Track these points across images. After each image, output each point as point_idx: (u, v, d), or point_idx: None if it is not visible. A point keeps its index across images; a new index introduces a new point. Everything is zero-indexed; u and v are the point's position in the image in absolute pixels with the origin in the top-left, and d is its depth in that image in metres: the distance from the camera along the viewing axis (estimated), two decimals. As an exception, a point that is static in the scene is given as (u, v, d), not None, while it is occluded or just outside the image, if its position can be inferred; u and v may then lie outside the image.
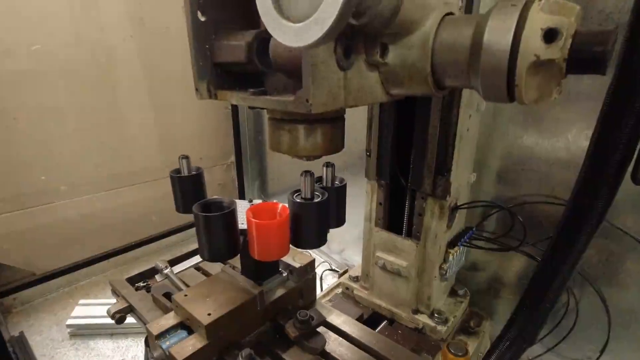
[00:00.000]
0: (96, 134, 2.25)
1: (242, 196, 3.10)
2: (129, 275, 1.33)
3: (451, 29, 0.64)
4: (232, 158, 3.02)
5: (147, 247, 2.65)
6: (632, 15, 0.57)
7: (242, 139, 2.96)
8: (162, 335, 0.96)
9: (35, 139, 2.04)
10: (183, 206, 1.07)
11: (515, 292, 1.59)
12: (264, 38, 0.72)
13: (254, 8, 0.51)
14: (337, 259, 2.49)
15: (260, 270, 1.08)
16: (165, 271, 1.28)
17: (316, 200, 0.86)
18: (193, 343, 0.93)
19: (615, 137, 0.63)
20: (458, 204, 1.29)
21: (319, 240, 0.90)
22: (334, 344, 1.06)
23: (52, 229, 2.21)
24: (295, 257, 1.16)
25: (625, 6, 1.08)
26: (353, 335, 1.09)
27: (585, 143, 1.02)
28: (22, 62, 1.92)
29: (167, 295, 1.17)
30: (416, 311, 1.38)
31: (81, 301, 2.10)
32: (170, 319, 1.01)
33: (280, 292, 1.11)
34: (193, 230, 0.89)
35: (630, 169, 0.66)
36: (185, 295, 1.02)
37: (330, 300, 1.57)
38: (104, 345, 1.89)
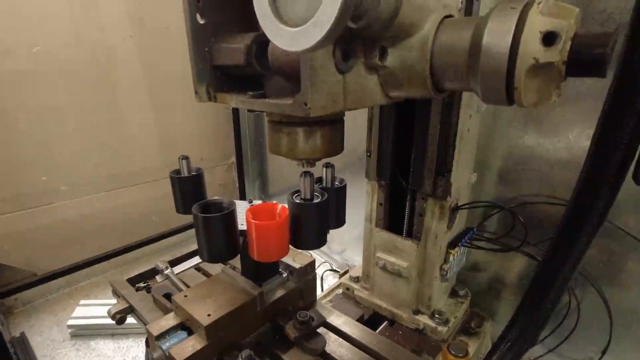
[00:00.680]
0: (96, 134, 2.25)
1: (242, 197, 3.10)
2: (130, 276, 1.33)
3: (450, 31, 0.63)
4: (233, 159, 3.02)
5: (148, 248, 2.65)
6: (633, 14, 0.56)
7: (242, 139, 2.96)
8: (162, 336, 0.96)
9: (35, 139, 2.04)
10: (183, 207, 1.07)
11: (517, 292, 1.58)
12: (263, 41, 0.72)
13: (252, 10, 0.51)
14: (338, 260, 2.48)
15: (260, 271, 1.08)
16: (166, 272, 1.28)
17: (316, 201, 0.86)
18: (193, 344, 0.93)
19: (616, 137, 0.62)
20: (459, 205, 1.28)
21: (318, 241, 0.90)
22: (334, 344, 1.06)
23: (52, 229, 2.21)
24: (296, 258, 1.15)
25: (626, 6, 1.08)
26: (353, 336, 1.09)
27: (586, 143, 1.02)
28: (22, 62, 1.92)
29: (168, 296, 1.17)
30: (417, 312, 1.38)
31: (82, 302, 2.10)
32: (170, 320, 1.01)
33: (280, 292, 1.10)
34: (193, 230, 0.89)
35: (631, 168, 0.66)
36: (185, 296, 1.02)
37: (330, 301, 1.56)
38: (105, 346, 1.89)
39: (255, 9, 0.51)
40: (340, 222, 1.04)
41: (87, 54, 2.11)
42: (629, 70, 0.58)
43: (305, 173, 0.84)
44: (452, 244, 1.32)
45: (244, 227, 0.90)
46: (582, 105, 1.22)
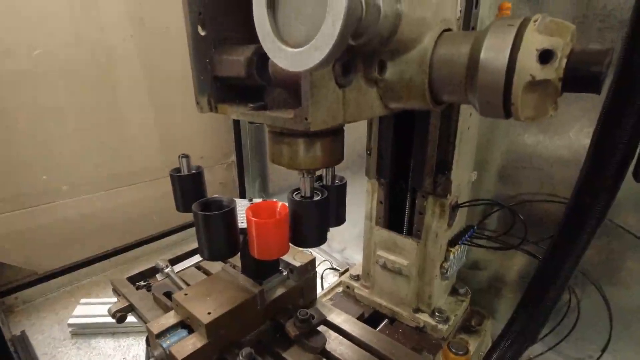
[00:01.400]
0: (96, 133, 2.26)
1: (242, 195, 3.10)
2: (130, 275, 1.33)
3: (449, 45, 0.64)
4: (233, 157, 3.02)
5: (148, 247, 2.65)
6: (632, 14, 0.56)
7: (242, 138, 2.96)
8: (163, 334, 0.97)
9: (35, 138, 2.04)
10: (183, 205, 1.07)
11: (517, 290, 1.58)
12: (264, 53, 0.72)
13: (252, 22, 0.52)
14: (338, 258, 2.49)
15: (261, 269, 1.08)
16: (166, 270, 1.28)
17: (316, 198, 0.86)
18: (193, 342, 0.93)
19: (616, 135, 0.62)
20: (459, 203, 1.28)
21: (318, 239, 0.90)
22: (334, 343, 1.06)
23: (53, 228, 2.21)
24: (296, 256, 1.16)
25: (627, 3, 1.08)
26: (354, 334, 1.09)
27: (586, 141, 1.02)
28: (22, 62, 1.92)
29: (168, 294, 1.17)
30: (417, 310, 1.38)
31: (82, 300, 2.10)
32: (170, 318, 1.01)
33: (280, 291, 1.11)
34: (193, 229, 0.89)
35: (631, 167, 0.66)
36: (186, 294, 1.02)
37: (330, 299, 1.57)
38: (105, 344, 1.89)
39: (257, 28, 0.51)
40: (340, 220, 1.04)
41: (87, 54, 2.11)
42: (629, 69, 0.58)
43: (306, 171, 0.84)
44: (453, 242, 1.32)
45: (244, 226, 0.90)
46: (582, 104, 1.22)
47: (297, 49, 0.48)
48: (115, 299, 1.26)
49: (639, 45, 0.56)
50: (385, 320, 1.42)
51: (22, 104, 1.96)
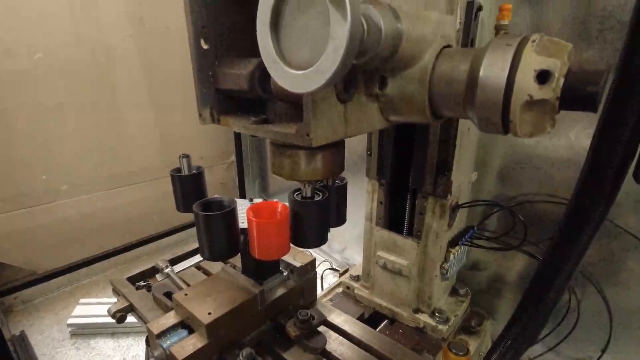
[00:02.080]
0: (96, 133, 2.25)
1: (242, 195, 3.10)
2: (130, 275, 1.33)
3: (448, 62, 0.65)
4: (233, 157, 3.02)
5: (148, 247, 2.65)
6: (633, 14, 0.56)
7: (242, 138, 2.96)
8: (163, 334, 0.96)
9: (35, 138, 2.04)
10: (183, 205, 1.07)
11: (517, 291, 1.58)
12: (266, 68, 0.73)
13: (255, 36, 0.52)
14: (338, 258, 2.49)
15: (261, 270, 1.08)
16: (166, 270, 1.28)
17: (316, 199, 0.86)
18: (193, 342, 0.93)
19: (617, 136, 0.62)
20: (459, 203, 1.28)
21: (319, 239, 0.90)
22: (334, 343, 1.06)
23: (52, 228, 2.21)
24: (296, 256, 1.16)
25: (627, 3, 1.08)
26: (354, 334, 1.09)
27: (587, 142, 1.02)
28: (22, 62, 1.92)
29: (168, 295, 1.17)
30: (417, 310, 1.38)
31: (82, 300, 2.10)
32: (170, 318, 1.01)
33: (280, 291, 1.11)
34: (194, 229, 0.89)
35: (632, 168, 0.66)
36: (186, 295, 1.02)
37: (331, 300, 1.57)
38: (105, 345, 1.89)
39: (260, 50, 0.52)
40: (341, 220, 1.04)
41: (87, 54, 2.11)
42: (629, 69, 0.58)
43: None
44: (453, 243, 1.32)
45: (245, 226, 0.90)
46: (582, 104, 1.22)
47: (300, 72, 0.49)
48: (115, 299, 1.25)
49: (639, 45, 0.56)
50: (385, 321, 1.42)
51: (22, 104, 1.96)
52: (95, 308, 2.01)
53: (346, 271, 1.70)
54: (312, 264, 1.17)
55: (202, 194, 1.07)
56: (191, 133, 2.71)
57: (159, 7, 2.30)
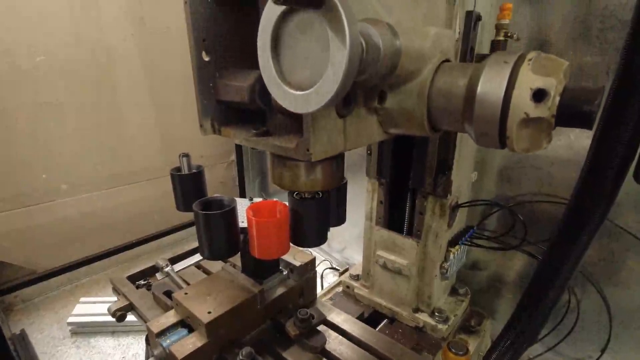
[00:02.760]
0: (96, 133, 2.26)
1: (243, 194, 3.10)
2: (130, 273, 1.33)
3: (447, 77, 0.66)
4: (233, 157, 3.02)
5: (148, 245, 2.65)
6: (634, 14, 0.56)
7: (242, 137, 2.96)
8: (163, 333, 0.97)
9: (35, 138, 2.04)
10: (184, 204, 1.07)
11: (516, 291, 1.59)
12: None
13: (256, 49, 0.53)
14: (338, 258, 2.49)
15: (261, 269, 1.08)
16: (166, 269, 1.28)
17: (316, 198, 0.86)
18: (193, 341, 0.93)
19: (617, 136, 0.62)
20: (459, 203, 1.28)
21: (319, 239, 0.90)
22: (334, 342, 1.06)
23: (52, 227, 2.21)
24: (296, 256, 1.16)
25: (628, 3, 1.08)
26: (353, 333, 1.09)
27: (586, 142, 1.02)
28: (22, 62, 1.92)
29: (168, 294, 1.17)
30: (417, 310, 1.38)
31: (82, 299, 2.10)
32: (170, 317, 1.01)
33: (280, 290, 1.11)
34: (194, 228, 0.89)
35: (632, 167, 0.66)
36: (186, 294, 1.02)
37: (330, 299, 1.57)
38: (105, 343, 1.89)
39: (262, 71, 0.53)
40: (340, 220, 1.04)
41: (87, 54, 2.11)
42: (630, 69, 0.58)
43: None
44: (453, 242, 1.32)
45: (245, 225, 0.90)
46: (582, 104, 1.22)
47: (301, 92, 0.50)
48: (115, 298, 1.25)
49: (640, 45, 0.56)
50: (385, 320, 1.42)
51: (22, 104, 1.96)
52: (95, 307, 2.01)
53: (346, 270, 1.70)
54: (311, 263, 1.17)
55: (202, 193, 1.07)
56: (191, 132, 2.69)
57: (160, 6, 2.31)
